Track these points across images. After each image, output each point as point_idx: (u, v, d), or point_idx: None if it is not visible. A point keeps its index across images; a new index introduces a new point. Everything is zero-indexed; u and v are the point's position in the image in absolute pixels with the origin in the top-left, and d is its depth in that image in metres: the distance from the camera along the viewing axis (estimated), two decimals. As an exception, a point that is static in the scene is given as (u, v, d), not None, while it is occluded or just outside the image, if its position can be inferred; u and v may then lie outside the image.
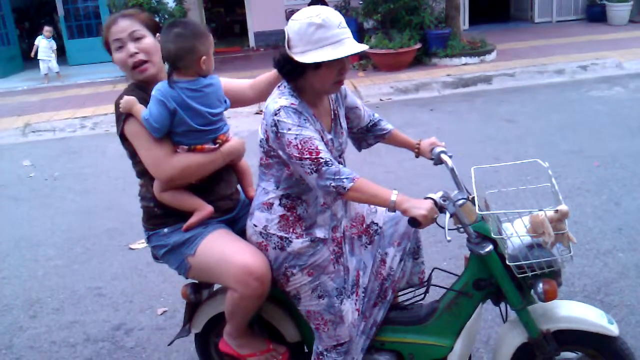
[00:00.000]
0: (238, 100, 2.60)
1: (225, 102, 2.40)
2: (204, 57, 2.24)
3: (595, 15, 13.48)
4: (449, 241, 2.05)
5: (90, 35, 13.86)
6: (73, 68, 13.53)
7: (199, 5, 13.87)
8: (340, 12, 2.17)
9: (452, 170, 2.38)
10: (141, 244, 4.59)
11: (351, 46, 2.08)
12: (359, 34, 11.20)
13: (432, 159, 2.53)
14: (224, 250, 2.29)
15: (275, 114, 2.09)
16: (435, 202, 2.10)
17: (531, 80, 9.08)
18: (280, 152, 2.13)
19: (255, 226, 2.29)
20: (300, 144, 2.06)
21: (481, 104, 8.12)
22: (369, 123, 2.59)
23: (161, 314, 3.69)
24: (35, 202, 5.95)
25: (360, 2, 11.10)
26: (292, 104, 2.11)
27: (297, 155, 2.06)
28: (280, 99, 2.13)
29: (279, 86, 2.23)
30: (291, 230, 2.24)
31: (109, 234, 4.95)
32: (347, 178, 2.05)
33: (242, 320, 2.38)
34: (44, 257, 4.67)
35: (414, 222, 2.04)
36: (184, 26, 2.24)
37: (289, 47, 2.09)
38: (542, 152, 5.76)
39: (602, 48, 10.37)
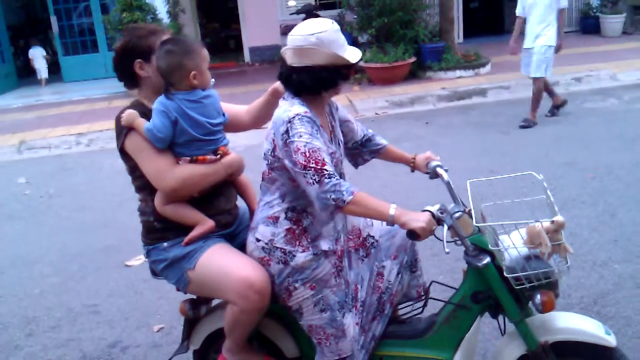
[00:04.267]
0: (234, 125, 2.62)
1: (224, 115, 2.44)
2: (193, 72, 2.28)
3: (589, 27, 13.51)
4: (447, 253, 2.06)
5: (85, 52, 13.82)
6: (68, 85, 13.49)
7: (194, 21, 13.92)
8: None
9: (447, 183, 2.40)
10: (137, 260, 4.58)
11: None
12: (354, 48, 11.22)
13: (427, 173, 2.55)
14: (224, 264, 2.29)
15: (290, 121, 2.11)
16: (433, 215, 2.11)
17: (526, 93, 9.00)
18: (286, 161, 2.14)
19: (259, 240, 2.29)
20: (309, 152, 2.07)
21: (476, 117, 8.15)
22: (363, 138, 2.61)
23: (157, 331, 3.67)
24: (30, 219, 5.92)
25: (355, 17, 11.15)
26: (305, 112, 2.15)
27: (303, 163, 2.07)
28: (293, 107, 2.17)
29: (284, 97, 2.26)
30: (297, 243, 2.25)
31: (104, 251, 4.93)
32: (346, 191, 2.07)
33: (241, 336, 2.38)
34: (40, 275, 4.64)
35: (412, 235, 2.05)
36: (175, 43, 2.30)
37: (317, 58, 2.13)
38: (537, 165, 5.77)
39: (596, 60, 10.40)
